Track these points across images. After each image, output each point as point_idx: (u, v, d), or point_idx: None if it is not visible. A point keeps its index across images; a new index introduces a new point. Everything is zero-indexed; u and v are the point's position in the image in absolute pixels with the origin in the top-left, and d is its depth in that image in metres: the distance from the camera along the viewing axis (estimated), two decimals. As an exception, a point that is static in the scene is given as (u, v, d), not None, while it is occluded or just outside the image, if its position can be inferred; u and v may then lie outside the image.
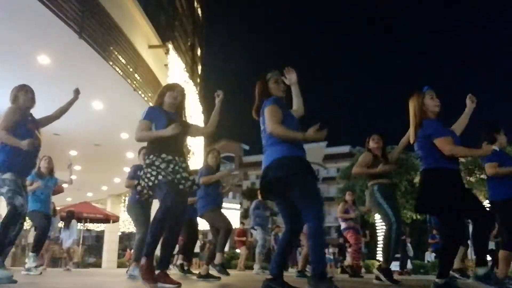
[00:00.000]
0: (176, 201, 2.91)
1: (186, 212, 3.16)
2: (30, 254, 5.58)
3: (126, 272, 5.22)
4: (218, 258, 4.67)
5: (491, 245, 10.75)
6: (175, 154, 3.01)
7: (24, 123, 3.46)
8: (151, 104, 3.42)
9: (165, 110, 3.14)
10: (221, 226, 4.70)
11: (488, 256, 10.95)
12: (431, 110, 3.01)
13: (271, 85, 2.79)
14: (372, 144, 4.41)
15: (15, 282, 3.18)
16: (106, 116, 9.18)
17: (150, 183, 2.89)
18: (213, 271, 4.74)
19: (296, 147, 2.63)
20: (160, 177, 2.89)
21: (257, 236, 7.92)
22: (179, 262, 5.98)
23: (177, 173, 2.96)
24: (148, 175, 2.91)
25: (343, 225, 7.31)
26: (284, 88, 2.83)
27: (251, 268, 11.61)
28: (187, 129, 3.25)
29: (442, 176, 2.88)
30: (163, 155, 2.96)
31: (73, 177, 6.09)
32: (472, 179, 13.11)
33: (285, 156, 2.57)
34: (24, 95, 3.53)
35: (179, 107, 3.27)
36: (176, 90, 3.22)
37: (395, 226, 4.10)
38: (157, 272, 2.94)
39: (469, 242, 6.50)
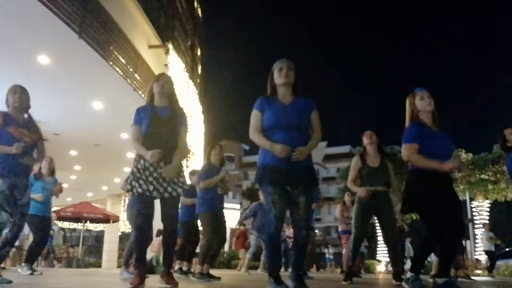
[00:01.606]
0: (146, 219, 2.94)
1: (177, 214, 3.11)
2: (23, 264, 5.46)
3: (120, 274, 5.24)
4: (198, 268, 4.62)
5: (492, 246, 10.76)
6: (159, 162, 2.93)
7: (5, 127, 3.37)
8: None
9: (153, 107, 3.07)
10: (204, 236, 4.64)
11: (488, 257, 10.89)
12: (422, 110, 3.03)
13: (275, 74, 2.74)
14: (365, 140, 4.37)
15: (10, 282, 3.18)
16: (106, 116, 9.19)
17: (129, 190, 2.96)
18: (212, 271, 4.73)
19: (269, 154, 2.60)
20: (134, 190, 2.90)
21: (252, 241, 7.90)
22: (177, 267, 5.92)
23: (157, 181, 2.92)
24: (129, 181, 2.95)
25: (340, 227, 7.35)
26: (287, 74, 2.69)
27: (251, 268, 11.60)
28: (174, 123, 3.07)
29: (422, 177, 2.92)
30: (141, 162, 2.94)
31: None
32: (472, 179, 13.12)
33: (258, 163, 2.69)
34: (12, 97, 3.47)
35: (171, 97, 3.16)
36: (161, 79, 3.15)
37: (353, 236, 4.28)
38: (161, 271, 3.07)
39: (467, 242, 6.45)
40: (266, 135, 2.65)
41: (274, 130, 2.63)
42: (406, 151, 2.92)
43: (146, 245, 3.07)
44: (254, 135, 2.68)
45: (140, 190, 2.89)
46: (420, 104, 3.03)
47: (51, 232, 11.28)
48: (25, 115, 3.57)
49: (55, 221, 11.81)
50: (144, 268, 2.94)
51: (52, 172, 5.67)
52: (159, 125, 2.99)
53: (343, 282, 4.11)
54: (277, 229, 2.57)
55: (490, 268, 10.41)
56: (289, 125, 2.62)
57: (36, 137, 3.55)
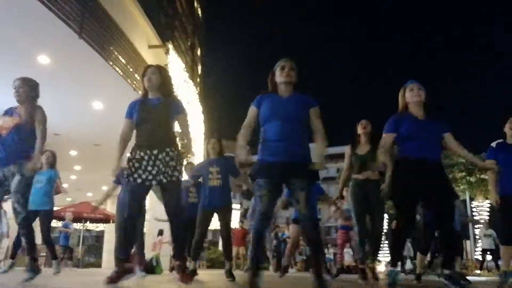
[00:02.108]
0: (133, 209, 2.91)
1: (177, 201, 2.96)
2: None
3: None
4: (191, 265, 4.59)
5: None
6: (148, 148, 2.90)
7: None
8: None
9: (145, 98, 3.08)
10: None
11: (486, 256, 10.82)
12: (411, 101, 3.14)
13: (277, 72, 2.74)
14: (359, 129, 4.44)
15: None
16: (106, 116, 9.18)
17: (125, 180, 2.93)
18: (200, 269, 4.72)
19: (266, 151, 2.61)
20: (131, 178, 2.88)
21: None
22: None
23: (153, 169, 2.87)
24: (125, 172, 2.93)
25: (338, 222, 7.33)
26: (288, 73, 2.69)
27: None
28: (165, 110, 3.02)
29: (398, 166, 3.07)
30: (137, 152, 2.93)
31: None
32: (472, 179, 13.11)
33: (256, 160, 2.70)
34: (13, 93, 3.43)
35: (163, 86, 3.10)
36: (147, 71, 3.12)
37: (356, 229, 4.32)
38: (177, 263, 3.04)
39: (467, 242, 6.47)
40: (264, 128, 2.67)
41: (271, 122, 2.62)
42: (382, 140, 3.12)
43: (128, 238, 2.96)
44: (241, 130, 2.73)
45: (131, 178, 2.88)
46: (409, 95, 3.15)
47: (68, 231, 11.22)
48: (29, 105, 3.41)
49: (71, 221, 11.73)
50: (123, 265, 2.84)
51: (51, 166, 5.58)
52: (148, 113, 2.98)
53: (360, 281, 4.14)
54: (263, 225, 2.57)
55: (496, 266, 10.36)
56: (286, 116, 2.60)
57: (15, 121, 3.31)
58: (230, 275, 4.54)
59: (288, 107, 2.62)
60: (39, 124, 3.37)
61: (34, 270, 3.22)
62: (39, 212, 5.28)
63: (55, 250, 5.96)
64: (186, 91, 13.35)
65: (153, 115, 2.97)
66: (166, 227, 10.74)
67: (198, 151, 14.93)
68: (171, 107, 3.04)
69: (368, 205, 4.27)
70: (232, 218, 4.87)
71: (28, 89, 3.45)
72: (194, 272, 4.55)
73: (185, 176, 3.73)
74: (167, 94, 3.10)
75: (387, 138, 3.09)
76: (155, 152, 2.89)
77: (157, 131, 2.94)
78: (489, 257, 11.34)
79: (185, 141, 3.17)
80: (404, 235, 3.13)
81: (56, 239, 13.76)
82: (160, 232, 10.73)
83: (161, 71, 3.14)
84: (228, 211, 4.65)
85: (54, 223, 17.09)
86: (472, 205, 13.88)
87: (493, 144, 4.01)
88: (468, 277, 3.10)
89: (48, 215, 5.47)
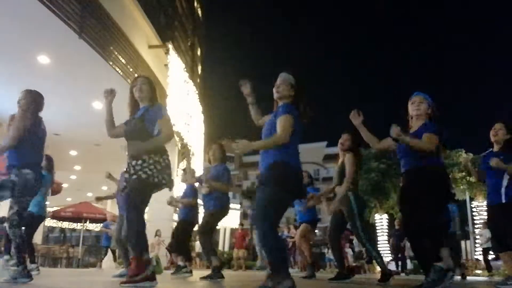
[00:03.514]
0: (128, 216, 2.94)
1: (129, 203, 2.89)
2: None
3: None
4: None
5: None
6: (129, 161, 2.93)
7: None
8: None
9: (131, 115, 3.12)
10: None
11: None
12: (411, 115, 3.19)
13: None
14: (339, 142, 4.50)
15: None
16: (106, 116, 9.18)
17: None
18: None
19: (286, 153, 2.56)
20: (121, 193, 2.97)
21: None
22: (180, 263, 5.93)
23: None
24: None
25: None
26: (276, 89, 2.66)
27: (250, 268, 11.59)
28: (143, 119, 2.97)
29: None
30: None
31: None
32: (472, 179, 13.10)
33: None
34: None
35: (151, 98, 3.06)
36: (136, 81, 3.09)
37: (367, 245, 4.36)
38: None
39: (467, 242, 6.43)
40: None
41: None
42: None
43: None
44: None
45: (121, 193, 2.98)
46: (410, 108, 3.18)
47: (109, 231, 11.15)
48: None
49: (112, 221, 11.72)
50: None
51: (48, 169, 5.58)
52: (131, 125, 3.03)
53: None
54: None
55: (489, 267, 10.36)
56: (263, 137, 2.69)
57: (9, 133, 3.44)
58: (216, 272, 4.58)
59: (264, 131, 2.69)
60: (12, 128, 3.42)
61: (24, 276, 3.25)
62: (32, 215, 5.26)
63: (34, 253, 5.97)
64: (186, 91, 13.35)
65: (134, 127, 2.99)
66: (163, 227, 10.75)
67: (198, 151, 14.96)
68: (151, 115, 2.97)
69: (342, 218, 4.37)
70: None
71: (26, 102, 3.52)
72: (218, 270, 4.60)
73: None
74: (152, 103, 3.06)
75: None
76: (133, 163, 2.89)
77: (137, 143, 2.93)
78: (489, 257, 11.32)
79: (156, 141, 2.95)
80: (411, 240, 3.22)
81: (98, 239, 13.70)
82: (157, 233, 10.73)
83: (150, 81, 3.14)
84: (209, 215, 4.72)
85: (54, 223, 17.18)
86: (472, 205, 13.88)
87: (483, 155, 4.11)
88: (468, 277, 3.10)
89: (35, 219, 5.43)
